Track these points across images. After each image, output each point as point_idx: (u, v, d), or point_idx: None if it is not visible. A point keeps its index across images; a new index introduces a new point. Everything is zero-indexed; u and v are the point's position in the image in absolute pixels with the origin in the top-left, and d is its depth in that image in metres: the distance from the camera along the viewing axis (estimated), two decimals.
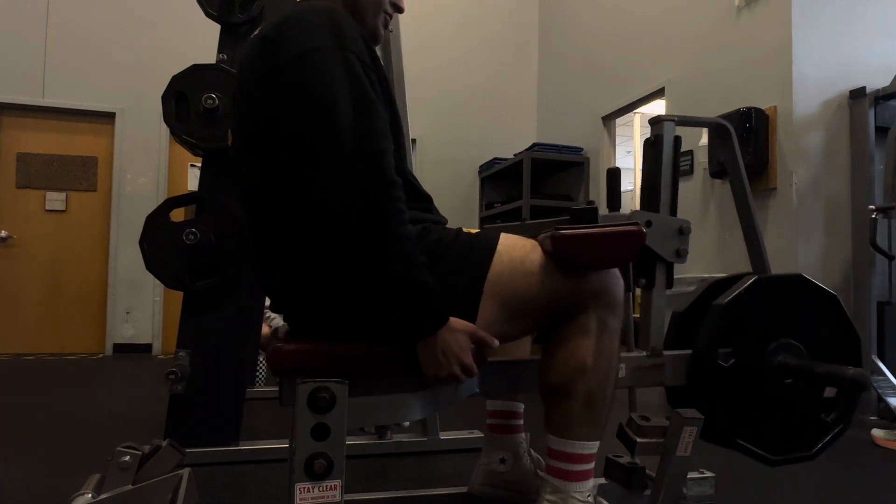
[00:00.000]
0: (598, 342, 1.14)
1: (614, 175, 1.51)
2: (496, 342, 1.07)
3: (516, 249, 1.14)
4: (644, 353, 1.40)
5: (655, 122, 1.48)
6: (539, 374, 1.19)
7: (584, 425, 1.14)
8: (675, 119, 1.48)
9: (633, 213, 1.42)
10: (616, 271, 1.19)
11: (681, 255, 1.42)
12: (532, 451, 1.52)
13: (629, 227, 1.13)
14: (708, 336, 1.36)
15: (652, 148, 1.48)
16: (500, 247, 1.14)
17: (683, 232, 1.42)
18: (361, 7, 1.20)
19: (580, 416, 1.13)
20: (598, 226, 1.12)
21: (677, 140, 1.47)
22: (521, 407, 1.52)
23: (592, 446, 1.16)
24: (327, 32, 1.03)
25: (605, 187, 1.53)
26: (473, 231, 1.20)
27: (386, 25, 1.27)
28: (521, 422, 1.52)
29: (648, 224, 1.38)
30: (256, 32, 1.13)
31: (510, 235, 1.18)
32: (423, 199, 1.21)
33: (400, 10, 1.28)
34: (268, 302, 3.16)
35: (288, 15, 1.07)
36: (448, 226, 1.23)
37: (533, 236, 1.20)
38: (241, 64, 1.13)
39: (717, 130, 1.60)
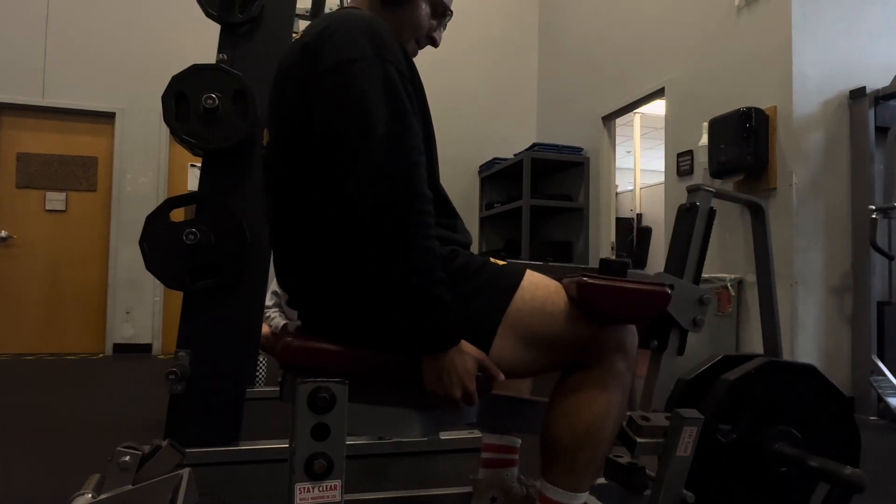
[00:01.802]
0: (613, 398, 1.12)
1: (646, 234, 1.51)
2: (502, 376, 1.06)
3: (540, 288, 1.13)
4: (644, 414, 1.40)
5: (694, 189, 1.49)
6: (547, 421, 1.15)
7: (586, 477, 1.12)
8: (714, 191, 1.50)
9: (657, 274, 1.42)
10: (633, 327, 1.18)
11: (697, 324, 1.42)
12: (521, 478, 1.52)
13: (656, 287, 1.12)
14: (711, 409, 1.35)
15: (686, 214, 1.49)
16: (524, 283, 1.13)
17: (703, 302, 1.42)
18: (397, 27, 1.19)
19: (584, 470, 1.12)
20: (626, 280, 1.11)
21: (712, 211, 1.48)
22: (518, 442, 1.51)
23: (587, 493, 1.15)
24: (367, 42, 1.03)
25: (635, 241, 1.54)
26: (500, 263, 1.20)
27: (414, 55, 1.26)
28: (517, 456, 1.51)
29: (671, 288, 1.38)
30: (298, 37, 1.13)
31: (536, 274, 1.16)
32: (451, 215, 1.20)
33: (435, 44, 1.27)
34: (268, 301, 3.17)
35: (329, 22, 1.07)
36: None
37: (557, 278, 1.19)
38: (280, 68, 1.13)
39: (751, 207, 1.62)
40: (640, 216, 6.24)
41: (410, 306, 0.99)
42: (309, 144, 1.07)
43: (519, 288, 1.12)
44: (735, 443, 1.34)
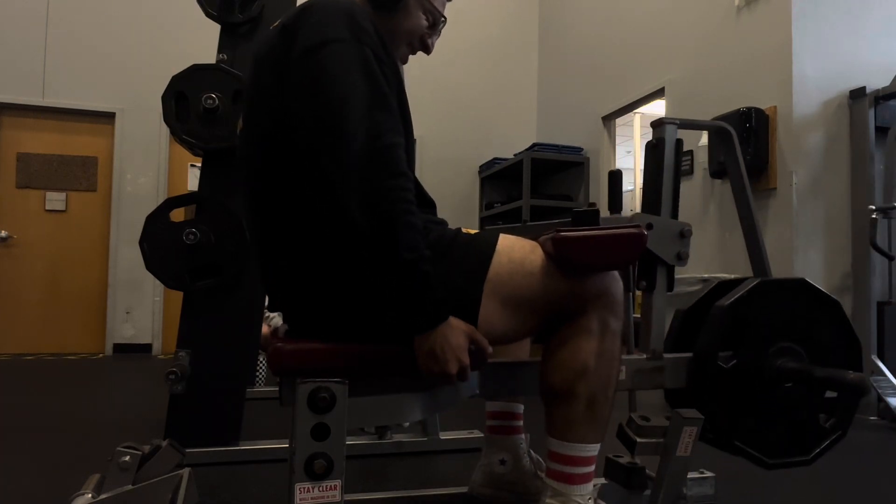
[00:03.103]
0: (601, 343, 1.14)
1: (616, 177, 1.51)
2: (490, 349, 1.07)
3: (516, 250, 1.14)
4: (644, 356, 1.40)
5: (657, 124, 1.48)
6: (540, 375, 1.18)
7: (586, 427, 1.13)
8: (677, 122, 1.48)
9: (635, 215, 1.42)
10: (616, 273, 1.19)
11: (682, 258, 1.42)
12: (532, 452, 1.52)
13: (630, 229, 1.12)
14: (709, 337, 1.36)
15: (653, 150, 1.48)
16: (499, 247, 1.14)
17: (685, 235, 1.42)
18: (389, 32, 1.18)
19: (582, 419, 1.13)
20: (600, 228, 1.12)
21: (679, 143, 1.47)
22: (521, 408, 1.52)
23: (594, 448, 1.16)
24: (344, 24, 1.03)
25: (607, 189, 1.52)
26: (473, 232, 1.20)
27: (405, 61, 1.26)
28: (521, 423, 1.52)
29: (649, 227, 1.38)
30: (276, 24, 1.13)
31: (509, 236, 1.18)
32: (426, 205, 1.21)
33: (427, 51, 1.26)
34: (268, 302, 3.17)
35: (307, 6, 1.08)
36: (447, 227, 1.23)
37: (534, 238, 1.20)
38: (258, 54, 1.13)
39: (718, 133, 1.59)
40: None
41: (402, 284, 0.98)
42: (287, 129, 1.06)
43: (495, 253, 1.12)
44: (738, 367, 1.35)
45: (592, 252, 1.11)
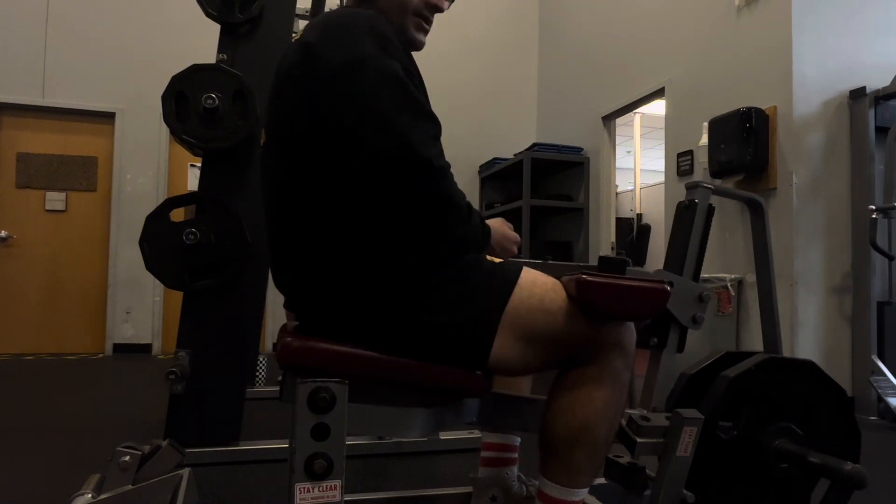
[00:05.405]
0: (611, 395, 1.13)
1: (645, 231, 1.51)
2: (519, 239, 1.28)
3: (538, 286, 1.14)
4: (644, 412, 1.40)
5: (693, 186, 1.49)
6: (544, 418, 1.16)
7: (584, 474, 1.12)
8: (712, 188, 1.50)
9: (657, 271, 1.41)
10: (632, 325, 1.18)
11: (697, 321, 1.41)
12: (521, 476, 1.52)
13: (655, 284, 1.11)
14: (711, 406, 1.35)
15: (685, 211, 1.48)
16: (521, 280, 1.13)
17: (703, 300, 1.42)
18: (390, 15, 1.17)
19: (581, 466, 1.12)
20: (625, 278, 1.11)
21: (711, 208, 1.47)
22: (518, 440, 1.51)
23: (586, 490, 1.15)
24: (371, 40, 1.03)
25: (635, 241, 1.54)
26: (497, 260, 1.20)
27: (425, 31, 1.25)
28: (516, 454, 1.51)
29: (670, 285, 1.38)
30: (296, 38, 1.13)
31: (533, 270, 1.17)
32: None
33: (440, 9, 1.24)
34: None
35: (328, 20, 1.07)
36: None
37: (556, 276, 1.19)
38: (280, 68, 1.13)
39: (749, 204, 1.61)
40: (640, 216, 6.25)
41: (466, 222, 1.08)
42: (312, 144, 1.07)
43: (517, 285, 1.12)
44: (736, 440, 1.34)
45: (615, 300, 1.10)
